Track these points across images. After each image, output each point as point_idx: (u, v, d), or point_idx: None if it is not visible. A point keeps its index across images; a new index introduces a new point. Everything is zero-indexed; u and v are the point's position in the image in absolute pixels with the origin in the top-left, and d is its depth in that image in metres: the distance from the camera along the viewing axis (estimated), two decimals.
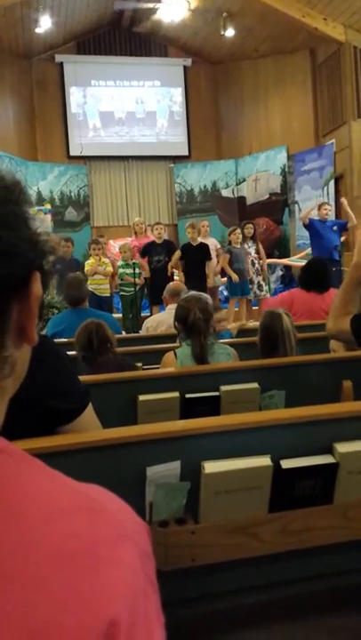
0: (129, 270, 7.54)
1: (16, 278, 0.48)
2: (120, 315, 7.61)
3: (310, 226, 7.70)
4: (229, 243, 7.67)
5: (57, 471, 0.49)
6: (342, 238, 7.98)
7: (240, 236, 7.60)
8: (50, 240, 0.53)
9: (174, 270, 7.80)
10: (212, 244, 8.27)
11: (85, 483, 0.50)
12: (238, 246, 7.55)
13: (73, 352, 2.94)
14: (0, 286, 0.47)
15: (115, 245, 9.73)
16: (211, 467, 1.46)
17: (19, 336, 0.50)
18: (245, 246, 7.67)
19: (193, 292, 2.98)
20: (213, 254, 7.93)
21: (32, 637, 0.39)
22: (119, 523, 0.47)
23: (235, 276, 7.35)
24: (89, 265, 7.24)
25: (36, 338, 0.52)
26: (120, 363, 2.89)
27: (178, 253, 7.59)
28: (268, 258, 8.45)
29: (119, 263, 7.72)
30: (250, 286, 7.67)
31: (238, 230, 7.72)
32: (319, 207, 7.94)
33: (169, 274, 7.49)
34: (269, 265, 8.85)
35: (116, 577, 0.43)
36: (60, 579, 0.41)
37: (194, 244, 7.72)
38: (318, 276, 4.18)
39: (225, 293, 8.35)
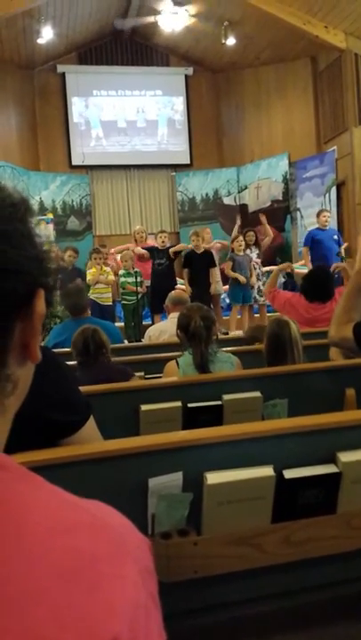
0: (130, 279, 7.55)
1: (20, 296, 0.48)
2: (122, 323, 7.61)
3: (308, 240, 7.74)
4: (232, 250, 7.70)
5: (58, 487, 0.49)
6: (344, 245, 7.98)
7: (243, 244, 7.63)
8: (54, 257, 0.53)
9: (178, 279, 7.83)
10: (216, 242, 8.38)
11: (86, 498, 0.49)
12: (241, 254, 7.57)
13: (74, 362, 2.95)
14: (3, 304, 0.47)
15: (116, 255, 9.76)
16: (213, 477, 1.46)
17: (22, 354, 0.50)
18: (248, 252, 7.71)
19: (195, 303, 3.01)
20: (216, 257, 7.98)
21: None
22: (120, 539, 0.47)
23: (242, 278, 7.37)
24: (91, 274, 7.25)
25: (39, 356, 0.52)
26: (117, 368, 2.91)
27: (180, 257, 7.68)
28: (270, 265, 8.46)
29: (121, 272, 7.73)
30: (251, 293, 7.70)
31: (241, 238, 7.74)
32: (318, 214, 7.96)
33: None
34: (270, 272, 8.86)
35: (117, 594, 0.43)
36: (61, 595, 0.41)
37: (198, 252, 7.74)
38: (321, 285, 4.08)
39: (226, 301, 8.36)
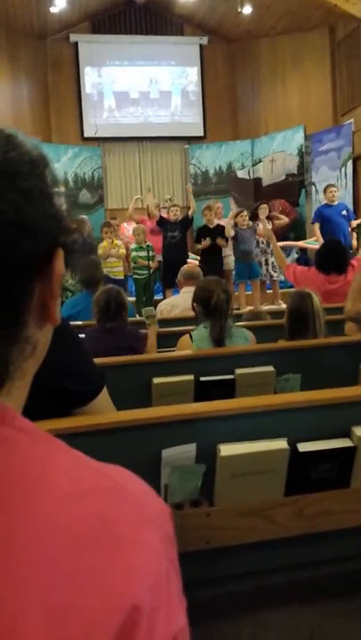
0: (142, 253, 7.51)
1: (39, 256, 0.46)
2: (133, 298, 7.59)
3: (318, 217, 7.64)
4: (236, 225, 7.61)
5: (79, 451, 0.48)
6: (359, 221, 7.85)
7: (247, 217, 7.53)
8: (87, 230, 0.51)
9: (190, 253, 7.78)
10: (225, 224, 8.23)
11: (107, 463, 0.49)
12: (245, 227, 7.49)
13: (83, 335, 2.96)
14: (23, 263, 0.45)
15: (128, 228, 9.69)
16: (226, 449, 1.45)
17: (41, 316, 0.49)
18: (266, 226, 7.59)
19: (212, 277, 3.03)
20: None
21: (51, 619, 0.38)
22: (142, 505, 0.46)
23: (205, 243, 7.26)
24: (102, 248, 7.22)
25: (58, 318, 0.51)
26: (132, 332, 3.10)
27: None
28: (283, 240, 8.38)
29: (133, 246, 7.68)
30: (265, 267, 7.59)
31: (245, 212, 7.65)
32: (325, 190, 7.82)
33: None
34: (284, 248, 8.76)
35: (139, 560, 0.42)
36: (79, 560, 0.40)
37: (210, 227, 7.67)
38: (335, 256, 4.09)
39: None
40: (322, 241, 7.31)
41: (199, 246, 7.63)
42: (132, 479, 0.49)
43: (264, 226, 7.07)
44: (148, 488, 0.49)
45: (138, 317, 5.93)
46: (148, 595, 0.41)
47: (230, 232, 7.40)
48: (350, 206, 8.71)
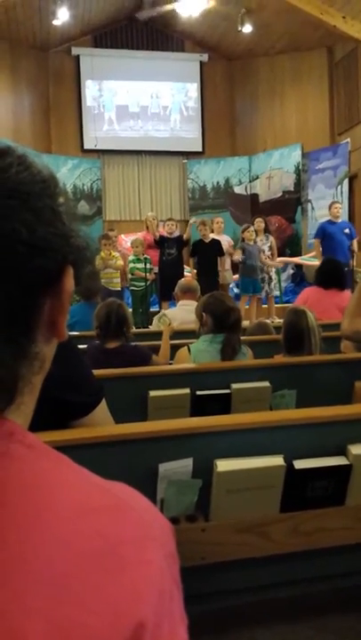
0: (140, 265, 7.53)
1: (49, 273, 0.47)
2: (130, 309, 7.59)
3: (320, 233, 7.70)
4: (242, 240, 7.66)
5: (83, 468, 0.48)
6: (357, 238, 7.90)
7: (253, 233, 7.59)
8: (84, 235, 0.52)
9: (186, 266, 7.81)
10: (226, 240, 8.25)
11: (111, 480, 0.49)
12: (252, 243, 7.54)
13: (84, 346, 2.95)
14: (34, 281, 0.46)
15: (126, 240, 9.72)
16: (223, 465, 1.46)
17: (49, 331, 0.50)
18: (259, 242, 7.64)
19: (219, 292, 3.06)
20: (228, 250, 7.92)
21: (59, 635, 0.38)
22: (145, 523, 0.46)
23: (237, 257, 7.33)
24: (100, 259, 7.24)
25: (66, 333, 0.51)
26: (135, 351, 2.94)
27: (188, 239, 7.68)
28: (279, 257, 8.43)
29: (130, 258, 7.70)
30: (262, 284, 7.65)
31: (252, 228, 7.70)
32: (330, 206, 7.89)
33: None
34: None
35: (143, 578, 0.43)
36: (87, 578, 0.41)
37: (206, 241, 7.71)
38: (336, 273, 4.30)
39: (235, 291, 8.33)
40: (320, 258, 7.38)
41: (235, 257, 7.58)
42: (136, 496, 0.49)
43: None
44: (151, 505, 0.50)
45: (134, 329, 5.94)
46: (151, 612, 0.42)
47: (237, 256, 7.47)
48: None
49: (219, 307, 2.78)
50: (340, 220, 7.74)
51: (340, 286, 4.25)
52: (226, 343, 2.73)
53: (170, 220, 8.13)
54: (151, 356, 3.05)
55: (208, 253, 7.63)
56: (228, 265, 7.95)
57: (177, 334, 3.83)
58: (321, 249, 7.65)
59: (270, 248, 7.79)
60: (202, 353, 2.75)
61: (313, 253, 8.48)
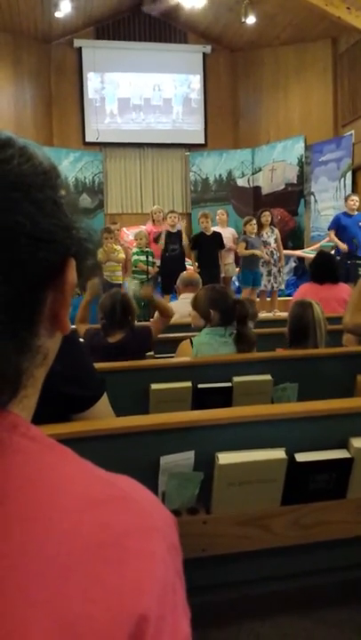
0: (143, 257, 7.52)
1: (52, 266, 0.47)
2: None
3: (335, 224, 7.67)
4: (245, 232, 7.64)
5: (87, 461, 0.48)
6: None
7: (255, 226, 7.56)
8: (86, 226, 0.52)
9: (187, 259, 7.79)
10: (230, 233, 8.24)
11: (114, 473, 0.49)
12: (253, 236, 7.52)
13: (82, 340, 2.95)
14: (36, 274, 0.45)
15: (128, 233, 9.71)
16: (225, 458, 1.46)
17: (52, 325, 0.50)
18: (265, 235, 7.61)
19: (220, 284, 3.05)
20: (231, 244, 7.88)
21: (63, 628, 0.38)
22: (149, 515, 0.47)
23: (258, 252, 7.35)
24: (102, 252, 7.24)
25: (69, 326, 0.51)
26: (139, 329, 2.93)
27: (187, 242, 7.63)
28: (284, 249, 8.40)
29: (134, 250, 7.69)
30: (268, 278, 7.62)
31: (254, 221, 7.68)
32: (346, 199, 7.84)
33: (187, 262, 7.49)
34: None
35: (147, 570, 0.43)
36: (91, 570, 0.41)
37: (207, 234, 7.69)
38: (329, 267, 4.30)
39: (236, 284, 8.32)
40: (344, 246, 7.37)
41: (243, 252, 7.58)
42: (139, 488, 0.49)
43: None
44: (155, 497, 0.50)
45: (136, 322, 5.94)
46: (155, 604, 0.42)
47: (243, 250, 7.46)
48: None
49: (221, 300, 2.78)
50: (356, 213, 7.69)
51: (334, 279, 4.26)
52: (241, 339, 2.73)
53: (172, 212, 8.06)
54: (151, 331, 3.10)
55: (209, 246, 7.61)
56: (231, 258, 7.93)
57: (179, 327, 3.83)
58: (336, 239, 7.63)
59: (275, 241, 7.75)
60: (204, 346, 2.74)
61: (315, 246, 8.44)
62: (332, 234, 7.73)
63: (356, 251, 7.51)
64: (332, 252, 7.69)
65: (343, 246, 7.41)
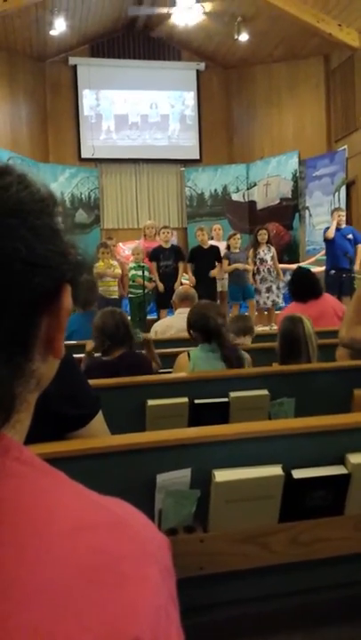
0: (140, 272, 7.53)
1: (47, 291, 0.47)
2: (128, 317, 7.58)
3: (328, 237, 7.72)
4: (228, 248, 7.67)
5: (80, 484, 0.48)
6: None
7: (239, 241, 7.61)
8: (82, 252, 0.52)
9: (184, 274, 7.79)
10: (225, 247, 8.28)
11: (107, 496, 0.49)
12: (237, 251, 7.56)
13: (80, 355, 2.94)
14: (31, 299, 0.46)
15: (124, 248, 9.74)
16: (221, 475, 1.45)
17: (46, 349, 0.50)
18: (261, 253, 7.63)
19: (204, 300, 3.03)
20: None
21: None
22: (143, 539, 0.46)
23: (240, 265, 7.36)
24: (98, 268, 7.25)
25: (63, 351, 0.51)
26: (142, 355, 2.90)
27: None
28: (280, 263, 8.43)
29: (131, 265, 7.69)
30: (267, 295, 7.62)
31: (238, 235, 7.75)
32: (332, 213, 7.91)
33: (178, 281, 7.47)
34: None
35: (140, 595, 0.42)
36: (85, 595, 0.40)
37: (204, 247, 7.71)
38: (306, 283, 4.17)
39: None
40: (319, 257, 7.41)
41: (227, 268, 7.61)
42: (133, 512, 0.49)
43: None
44: (148, 521, 0.50)
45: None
46: (148, 629, 0.42)
47: (226, 267, 7.50)
48: None
49: (198, 320, 2.79)
50: (343, 227, 7.74)
51: (317, 294, 4.12)
52: (225, 355, 2.73)
53: (165, 227, 8.03)
54: (151, 363, 3.06)
55: (206, 260, 7.62)
56: (226, 273, 7.96)
57: (176, 342, 3.83)
58: (326, 254, 7.68)
59: (272, 258, 7.79)
60: (201, 360, 2.75)
61: (311, 260, 8.48)
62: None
63: (351, 264, 7.55)
64: (324, 267, 7.76)
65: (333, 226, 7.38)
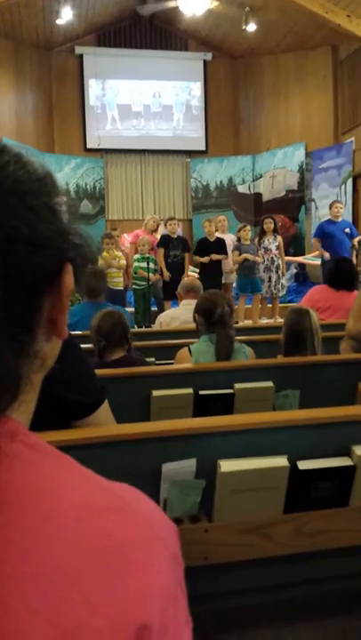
0: (144, 264, 7.52)
1: (49, 271, 0.47)
2: (132, 309, 7.59)
3: (319, 232, 7.71)
4: (238, 239, 7.65)
5: (88, 469, 0.48)
6: (358, 238, 7.88)
7: (250, 232, 7.57)
8: (82, 232, 0.52)
9: (190, 266, 7.79)
10: (230, 238, 8.24)
11: (115, 482, 0.49)
12: (248, 242, 7.52)
13: (87, 345, 2.93)
14: (34, 279, 0.46)
15: (128, 239, 9.72)
16: (227, 465, 1.45)
17: (49, 329, 0.50)
18: (267, 242, 7.60)
19: (214, 290, 3.02)
20: (230, 250, 7.88)
21: (64, 637, 0.38)
22: (150, 524, 0.46)
23: (250, 256, 7.35)
24: (102, 258, 7.24)
25: (66, 331, 0.51)
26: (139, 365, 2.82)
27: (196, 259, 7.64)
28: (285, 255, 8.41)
29: (135, 256, 7.68)
30: (268, 284, 7.61)
31: (248, 227, 7.70)
32: (330, 206, 7.86)
33: (186, 272, 7.47)
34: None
35: (149, 580, 0.42)
36: (93, 580, 0.40)
37: (211, 240, 7.69)
38: (348, 274, 4.31)
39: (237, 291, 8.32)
40: (327, 255, 7.39)
41: (200, 259, 7.64)
42: (140, 497, 0.49)
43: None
44: (156, 506, 0.50)
45: (136, 329, 5.94)
46: (157, 614, 0.42)
47: (236, 258, 7.47)
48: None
49: (206, 305, 2.79)
50: (340, 220, 7.71)
51: (351, 287, 4.25)
52: (218, 344, 2.72)
53: (172, 219, 8.02)
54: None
55: (212, 252, 7.61)
56: (230, 265, 7.94)
57: (180, 333, 3.83)
58: (322, 248, 7.66)
59: (278, 247, 7.75)
60: (202, 354, 2.74)
61: (316, 253, 8.45)
62: (316, 242, 7.78)
63: (356, 254, 7.53)
64: (319, 260, 7.77)
65: (326, 254, 7.45)
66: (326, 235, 7.59)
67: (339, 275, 4.31)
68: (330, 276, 4.44)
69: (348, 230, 7.66)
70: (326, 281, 4.46)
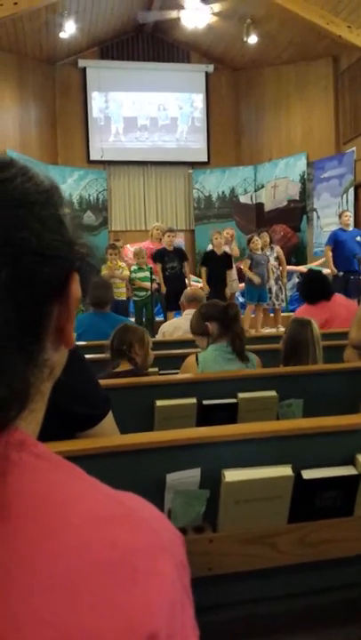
0: (140, 274, 7.54)
1: (57, 280, 0.48)
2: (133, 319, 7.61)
3: (332, 240, 7.71)
4: (250, 250, 7.69)
5: (94, 478, 0.48)
6: None
7: (259, 243, 7.61)
8: (87, 242, 0.53)
9: (191, 275, 7.81)
10: (229, 248, 8.30)
11: (122, 491, 0.49)
12: (260, 252, 7.56)
13: (93, 355, 2.94)
14: (42, 288, 0.47)
15: (132, 250, 9.75)
16: (231, 475, 1.45)
17: (57, 338, 0.50)
18: (266, 253, 7.66)
19: (217, 300, 3.04)
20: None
21: None
22: (156, 533, 0.46)
23: (256, 279, 7.36)
24: (106, 269, 7.26)
25: (73, 340, 0.52)
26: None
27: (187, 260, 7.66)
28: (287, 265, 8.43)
29: (132, 267, 7.70)
30: (268, 295, 7.65)
31: (256, 237, 7.73)
32: (340, 215, 7.90)
33: (189, 282, 7.48)
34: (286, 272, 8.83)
35: (156, 589, 0.43)
36: (99, 588, 0.41)
37: (218, 253, 7.72)
38: (318, 284, 4.18)
39: (240, 300, 8.33)
40: (331, 265, 7.40)
41: (246, 272, 7.59)
42: (147, 506, 0.49)
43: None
44: (162, 515, 0.50)
45: None
46: (164, 623, 0.42)
47: (246, 269, 7.50)
48: None
49: (215, 309, 2.79)
50: (351, 229, 7.74)
51: (326, 296, 4.09)
52: (232, 344, 2.73)
53: (170, 231, 8.00)
54: None
55: (219, 265, 7.65)
56: (234, 275, 7.96)
57: (184, 343, 3.83)
58: (333, 256, 7.67)
59: (276, 258, 7.78)
60: (210, 363, 2.74)
61: (320, 261, 8.46)
62: (328, 250, 7.78)
63: (359, 266, 7.54)
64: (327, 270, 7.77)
65: (334, 270, 7.45)
66: (338, 243, 7.61)
67: (311, 289, 4.18)
68: (302, 293, 4.31)
69: (359, 238, 7.68)
70: (302, 298, 4.34)
